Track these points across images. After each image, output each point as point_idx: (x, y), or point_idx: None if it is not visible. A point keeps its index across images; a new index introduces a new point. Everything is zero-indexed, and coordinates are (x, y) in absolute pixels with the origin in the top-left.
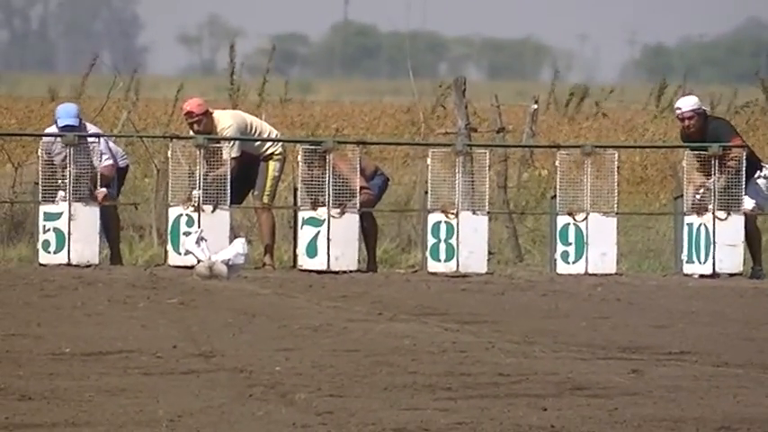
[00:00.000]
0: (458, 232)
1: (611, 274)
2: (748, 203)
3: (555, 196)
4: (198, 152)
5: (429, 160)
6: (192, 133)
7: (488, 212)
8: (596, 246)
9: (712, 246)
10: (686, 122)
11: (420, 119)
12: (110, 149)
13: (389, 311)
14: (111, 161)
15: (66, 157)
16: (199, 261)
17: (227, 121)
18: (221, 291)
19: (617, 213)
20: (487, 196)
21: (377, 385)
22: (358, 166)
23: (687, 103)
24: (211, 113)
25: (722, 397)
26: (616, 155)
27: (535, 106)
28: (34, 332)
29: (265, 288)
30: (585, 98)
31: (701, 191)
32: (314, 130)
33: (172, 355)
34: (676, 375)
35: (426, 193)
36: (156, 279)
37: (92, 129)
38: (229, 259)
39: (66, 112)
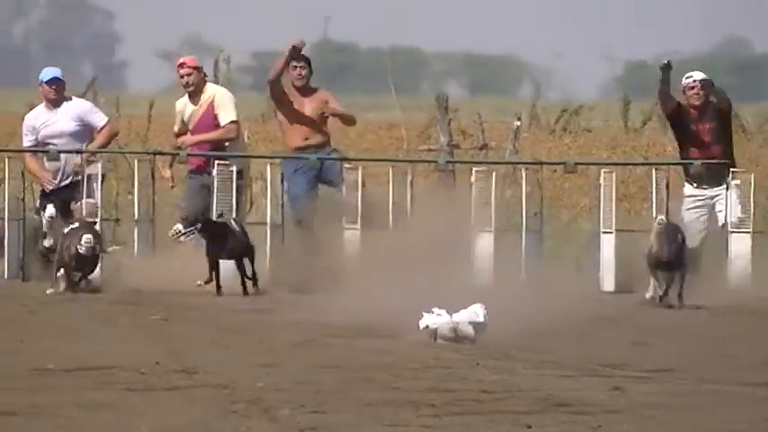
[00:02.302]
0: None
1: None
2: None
3: (537, 213)
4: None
5: (410, 176)
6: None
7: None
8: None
9: None
10: (694, 91)
11: (403, 135)
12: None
13: (370, 327)
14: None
15: (53, 134)
16: (431, 328)
17: (221, 89)
18: (203, 307)
19: (616, 231)
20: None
21: (360, 401)
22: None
23: (699, 75)
24: (205, 76)
25: (703, 414)
26: (602, 172)
27: (518, 123)
28: (16, 348)
29: (246, 304)
30: (574, 115)
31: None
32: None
33: (154, 371)
34: (657, 392)
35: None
36: (138, 295)
37: (76, 100)
38: (472, 320)
39: (49, 70)
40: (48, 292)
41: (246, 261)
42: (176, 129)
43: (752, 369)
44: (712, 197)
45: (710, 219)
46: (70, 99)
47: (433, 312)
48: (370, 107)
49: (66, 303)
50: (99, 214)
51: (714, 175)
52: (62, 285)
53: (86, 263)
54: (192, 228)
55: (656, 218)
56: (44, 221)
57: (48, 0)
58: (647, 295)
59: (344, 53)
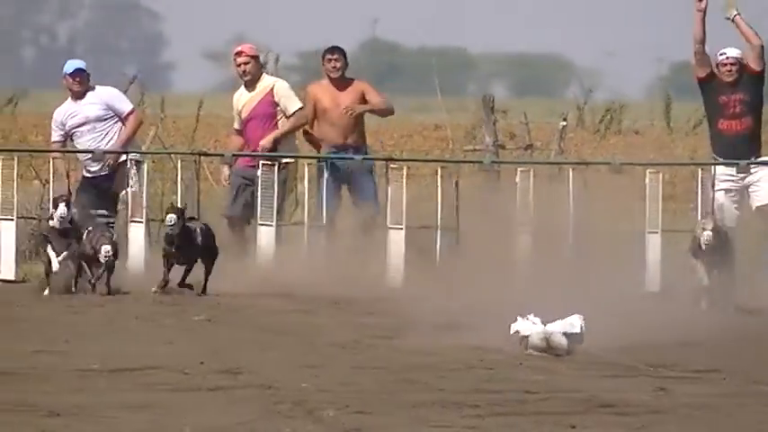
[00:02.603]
0: None
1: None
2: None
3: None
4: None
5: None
6: (242, 90)
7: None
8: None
9: None
10: (726, 68)
11: (448, 135)
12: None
13: (414, 329)
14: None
15: (79, 122)
16: (521, 335)
17: (280, 80)
18: (247, 308)
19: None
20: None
21: (403, 402)
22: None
23: (733, 51)
24: (262, 66)
25: (749, 415)
26: (648, 172)
27: (564, 123)
28: (61, 348)
29: (291, 305)
30: (617, 114)
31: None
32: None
33: (198, 371)
34: (702, 393)
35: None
36: (182, 296)
37: (103, 89)
38: (567, 331)
39: (72, 62)
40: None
41: (207, 263)
42: (236, 125)
43: None
44: (743, 177)
45: (743, 200)
46: (94, 88)
47: (527, 319)
48: (417, 108)
49: (110, 304)
50: (143, 203)
51: (744, 149)
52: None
53: (106, 269)
54: (175, 222)
55: (700, 218)
56: (55, 220)
57: (93, 1)
58: (702, 283)
59: (392, 54)
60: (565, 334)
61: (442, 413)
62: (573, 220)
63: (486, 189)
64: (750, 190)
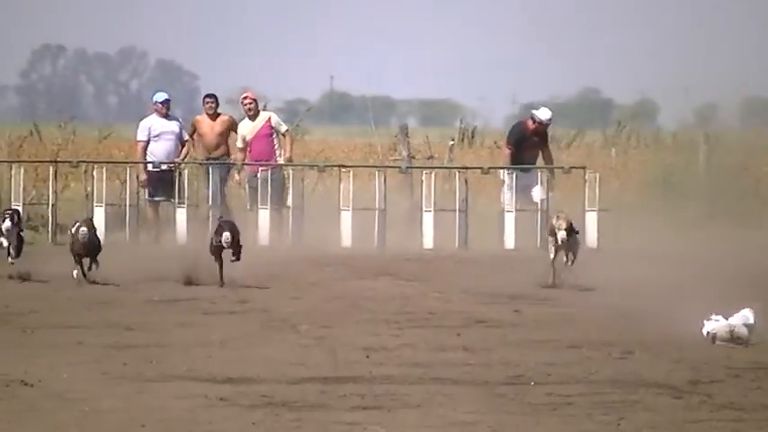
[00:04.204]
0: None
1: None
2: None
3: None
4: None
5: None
6: (246, 120)
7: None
8: None
9: None
10: (542, 127)
11: (378, 150)
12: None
13: (360, 273)
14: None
15: (160, 133)
16: (711, 332)
17: (272, 112)
18: (256, 261)
19: None
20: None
21: (352, 320)
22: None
23: (547, 114)
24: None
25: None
26: (505, 172)
27: (452, 142)
28: (129, 287)
29: (281, 259)
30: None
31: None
32: (313, 158)
33: (221, 301)
34: (548, 312)
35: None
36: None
37: (175, 119)
38: (746, 323)
39: (161, 94)
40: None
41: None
42: (240, 145)
43: None
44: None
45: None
46: (173, 117)
47: (711, 319)
48: (359, 134)
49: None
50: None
51: None
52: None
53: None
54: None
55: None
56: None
57: (155, 64)
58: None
59: (343, 99)
60: (745, 325)
61: (376, 327)
62: (458, 203)
63: (402, 185)
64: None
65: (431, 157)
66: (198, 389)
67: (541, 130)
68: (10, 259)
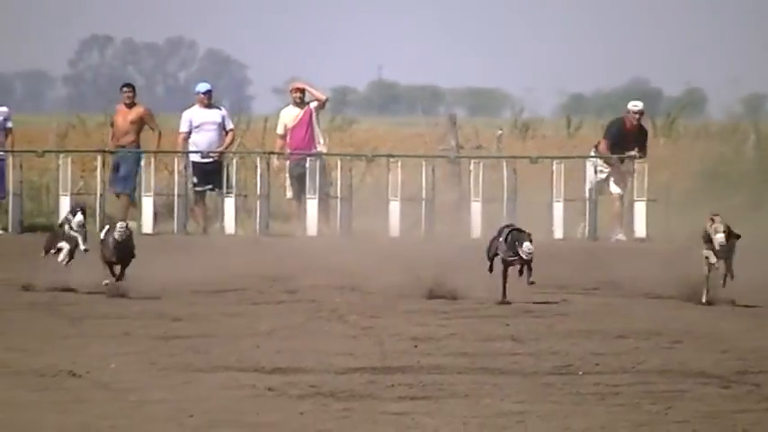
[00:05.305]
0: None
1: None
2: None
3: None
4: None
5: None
6: (291, 107)
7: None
8: None
9: None
10: (638, 117)
11: (427, 140)
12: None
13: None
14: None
15: (201, 123)
16: None
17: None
18: (306, 249)
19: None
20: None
21: (400, 311)
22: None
23: (640, 104)
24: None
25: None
26: (554, 162)
27: (500, 132)
28: (175, 273)
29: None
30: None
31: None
32: (360, 148)
33: (269, 291)
34: (596, 302)
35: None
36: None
37: (221, 108)
38: None
39: (203, 84)
40: None
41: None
42: (281, 131)
43: None
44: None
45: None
46: (215, 105)
47: None
48: (408, 124)
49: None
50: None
51: None
52: None
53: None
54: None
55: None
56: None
57: (204, 54)
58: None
59: (391, 90)
60: None
61: (424, 317)
62: (506, 192)
63: (451, 175)
64: None
65: (479, 147)
66: (246, 379)
67: (637, 128)
68: (83, 247)
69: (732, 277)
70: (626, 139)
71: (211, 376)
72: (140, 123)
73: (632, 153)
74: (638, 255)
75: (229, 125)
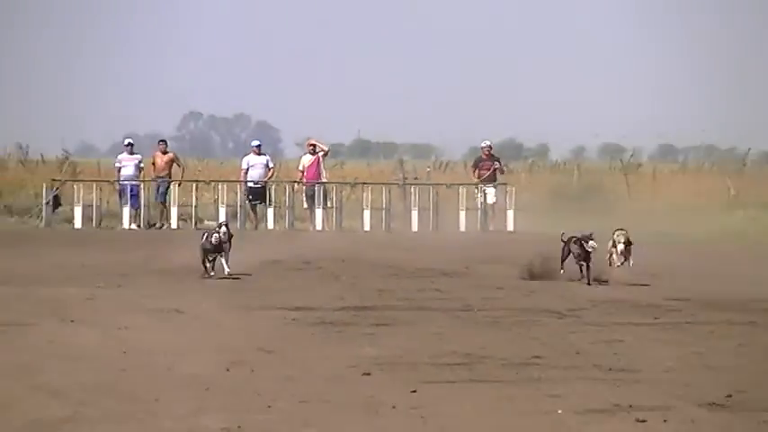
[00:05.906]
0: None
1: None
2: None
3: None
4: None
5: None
6: (307, 155)
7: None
8: None
9: None
10: (489, 149)
11: (385, 173)
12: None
13: (377, 247)
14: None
15: (254, 164)
16: None
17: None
18: (322, 237)
19: None
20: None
21: (371, 272)
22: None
23: (488, 141)
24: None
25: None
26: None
27: (429, 169)
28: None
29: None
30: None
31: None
32: (345, 179)
33: (293, 261)
34: (488, 268)
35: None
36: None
37: (265, 155)
38: None
39: (255, 141)
40: None
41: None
42: (300, 168)
43: None
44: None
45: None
46: (263, 153)
47: None
48: (375, 164)
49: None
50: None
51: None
52: None
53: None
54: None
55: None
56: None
57: (255, 124)
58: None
59: (366, 143)
60: None
61: (385, 278)
62: (432, 205)
63: (400, 194)
64: None
65: (416, 178)
66: (279, 314)
67: (489, 155)
68: (226, 268)
69: (631, 265)
70: (484, 164)
71: (261, 312)
72: (171, 163)
73: (496, 165)
74: (510, 242)
75: (271, 165)
